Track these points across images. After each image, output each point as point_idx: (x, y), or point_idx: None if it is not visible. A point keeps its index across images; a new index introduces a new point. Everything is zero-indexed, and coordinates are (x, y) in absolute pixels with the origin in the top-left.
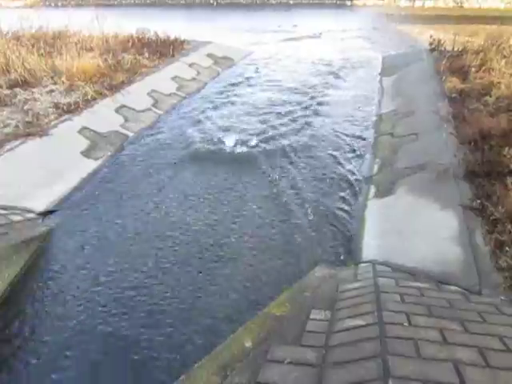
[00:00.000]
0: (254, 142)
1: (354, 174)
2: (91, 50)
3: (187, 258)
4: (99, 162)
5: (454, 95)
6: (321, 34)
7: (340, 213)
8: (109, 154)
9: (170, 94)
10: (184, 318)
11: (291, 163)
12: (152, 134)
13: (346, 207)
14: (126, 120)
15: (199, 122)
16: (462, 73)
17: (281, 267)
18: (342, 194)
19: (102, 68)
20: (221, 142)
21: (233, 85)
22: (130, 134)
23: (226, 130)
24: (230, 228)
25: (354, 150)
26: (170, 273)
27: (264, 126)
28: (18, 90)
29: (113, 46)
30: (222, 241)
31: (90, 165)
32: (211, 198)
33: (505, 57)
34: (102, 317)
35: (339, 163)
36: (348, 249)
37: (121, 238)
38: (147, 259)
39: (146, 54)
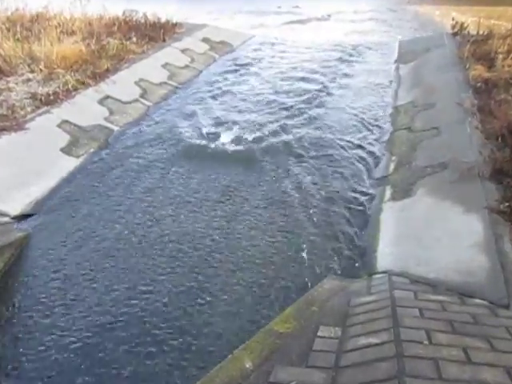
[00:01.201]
0: (254, 137)
1: (365, 174)
2: (73, 34)
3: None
4: (81, 159)
5: (479, 85)
6: (330, 15)
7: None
8: (92, 150)
9: (160, 84)
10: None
11: (297, 163)
12: (140, 129)
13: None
14: (111, 112)
15: (193, 114)
16: (488, 60)
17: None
18: (355, 196)
19: (85, 54)
20: (217, 137)
21: (231, 73)
22: (116, 129)
23: (224, 123)
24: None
25: (366, 147)
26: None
27: (266, 119)
28: None
29: (97, 29)
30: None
31: (71, 163)
32: (205, 206)
33: None
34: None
35: (351, 162)
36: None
37: (103, 249)
38: (129, 278)
39: (134, 39)
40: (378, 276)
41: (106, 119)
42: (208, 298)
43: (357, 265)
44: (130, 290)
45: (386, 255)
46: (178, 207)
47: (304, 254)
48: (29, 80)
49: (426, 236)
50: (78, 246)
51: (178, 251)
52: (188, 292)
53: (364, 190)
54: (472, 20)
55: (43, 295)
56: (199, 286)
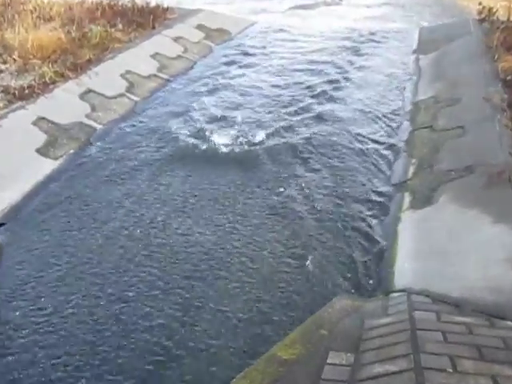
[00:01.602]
0: (255, 137)
1: (381, 180)
2: (51, 19)
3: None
4: (59, 161)
5: (509, 78)
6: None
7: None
8: (71, 151)
9: (149, 76)
10: None
11: (303, 167)
12: (126, 127)
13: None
14: (94, 109)
15: (186, 111)
16: None
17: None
18: (370, 205)
19: (64, 42)
20: (213, 137)
21: (229, 64)
22: (99, 127)
23: (220, 121)
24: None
25: (382, 149)
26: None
27: (269, 116)
28: None
29: (78, 14)
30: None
31: (48, 165)
32: (198, 216)
33: None
34: None
35: (364, 166)
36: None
37: (82, 264)
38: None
39: (120, 26)
40: (395, 295)
41: (87, 116)
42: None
43: (371, 282)
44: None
45: (404, 271)
46: (167, 217)
47: (311, 269)
48: (0, 72)
49: (450, 249)
50: (52, 263)
51: (164, 272)
52: (172, 328)
53: (379, 197)
54: (502, 4)
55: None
56: (189, 318)
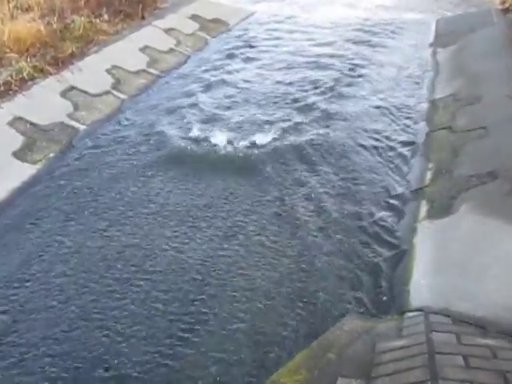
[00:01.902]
0: (255, 139)
1: (395, 186)
2: (29, 9)
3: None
4: (38, 166)
5: None
6: None
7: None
8: (52, 155)
9: (137, 72)
10: None
11: (309, 172)
12: (112, 128)
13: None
14: (77, 108)
15: (178, 110)
16: None
17: None
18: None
19: (44, 35)
20: (208, 139)
21: (226, 59)
22: (82, 128)
23: (217, 121)
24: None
25: (396, 152)
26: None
27: (270, 116)
28: None
29: (59, 4)
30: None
31: (26, 170)
32: (191, 228)
33: None
34: None
35: (377, 171)
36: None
37: (55, 288)
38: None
39: (106, 16)
40: (411, 314)
41: (69, 116)
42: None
43: (384, 299)
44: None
45: (421, 288)
46: (155, 230)
47: (317, 285)
48: None
49: (471, 263)
50: (26, 287)
51: (149, 296)
52: (154, 361)
53: (393, 205)
54: None
55: None
56: (179, 340)
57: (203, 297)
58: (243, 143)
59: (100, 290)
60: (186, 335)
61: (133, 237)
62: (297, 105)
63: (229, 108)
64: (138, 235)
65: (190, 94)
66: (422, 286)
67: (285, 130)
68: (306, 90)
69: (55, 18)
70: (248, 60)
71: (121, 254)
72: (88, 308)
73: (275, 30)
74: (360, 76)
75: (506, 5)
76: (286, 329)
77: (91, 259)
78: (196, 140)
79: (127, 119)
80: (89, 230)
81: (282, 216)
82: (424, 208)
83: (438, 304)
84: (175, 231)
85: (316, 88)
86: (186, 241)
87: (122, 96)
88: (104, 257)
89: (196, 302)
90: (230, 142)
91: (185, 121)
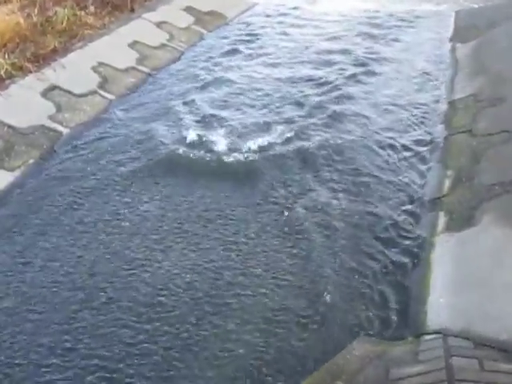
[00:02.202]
0: (256, 144)
1: (410, 196)
2: (7, 1)
3: None
4: (16, 174)
5: None
6: None
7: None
8: (31, 161)
9: (126, 70)
10: None
11: (316, 179)
12: (98, 131)
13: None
14: (59, 109)
15: (171, 112)
16: None
17: None
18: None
19: (24, 29)
20: (204, 144)
21: (224, 55)
22: (65, 131)
23: (213, 124)
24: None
25: (410, 158)
26: None
27: (272, 118)
28: None
29: None
30: None
31: (3, 178)
32: (185, 245)
33: None
34: None
35: (390, 179)
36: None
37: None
38: None
39: (91, 8)
40: (428, 337)
41: (51, 118)
42: None
43: (398, 320)
44: None
45: (439, 308)
46: (138, 255)
47: (324, 304)
48: None
49: (495, 281)
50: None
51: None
52: None
53: (408, 217)
54: None
55: None
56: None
57: (202, 322)
58: (243, 148)
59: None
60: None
61: (108, 262)
62: (301, 105)
63: (227, 109)
64: (117, 259)
65: (183, 94)
66: (440, 305)
67: (289, 134)
68: (311, 89)
69: (36, 10)
70: (248, 56)
71: (90, 284)
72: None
73: (278, 23)
74: (371, 74)
75: None
76: (290, 352)
77: (55, 290)
78: (190, 145)
79: (115, 122)
80: (59, 250)
81: (287, 233)
82: (442, 220)
83: (457, 326)
84: (164, 252)
85: (323, 87)
86: (179, 264)
87: (110, 96)
88: (70, 287)
89: (193, 323)
90: (228, 147)
91: (178, 123)
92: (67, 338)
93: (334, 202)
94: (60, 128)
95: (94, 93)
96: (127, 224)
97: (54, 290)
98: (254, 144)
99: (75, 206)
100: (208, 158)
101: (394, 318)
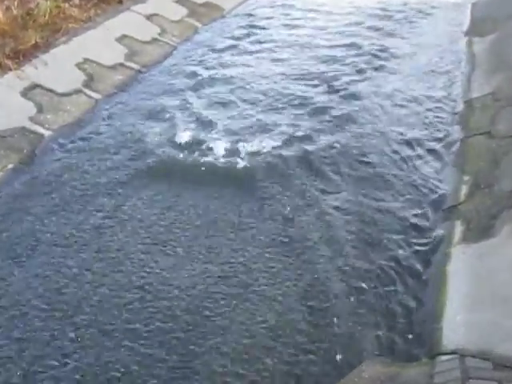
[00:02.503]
0: (256, 147)
1: (423, 203)
2: None
3: None
4: None
5: None
6: None
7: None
8: (10, 166)
9: (114, 66)
10: None
11: (321, 186)
12: (83, 134)
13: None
14: (41, 110)
15: (163, 112)
16: None
17: None
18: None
19: (2, 22)
20: (199, 147)
21: (220, 51)
22: (47, 134)
23: (209, 126)
24: None
25: (424, 162)
26: None
27: (273, 119)
28: None
29: None
30: None
31: None
32: (177, 259)
33: None
34: None
35: (402, 185)
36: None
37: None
38: None
39: (76, 0)
40: (444, 358)
41: (32, 119)
42: None
43: (411, 339)
44: None
45: (456, 326)
46: (131, 264)
47: (331, 322)
48: None
49: None
50: None
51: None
52: None
53: (421, 226)
54: None
55: None
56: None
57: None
58: (243, 151)
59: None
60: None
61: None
62: (305, 105)
63: (223, 110)
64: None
65: (176, 93)
66: (457, 323)
67: (291, 136)
68: (315, 88)
69: (16, 3)
70: (246, 52)
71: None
72: None
73: (280, 15)
74: (381, 70)
75: None
76: (295, 375)
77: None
78: (184, 148)
79: (101, 123)
80: (30, 274)
81: (289, 236)
82: (459, 229)
83: (476, 345)
84: (152, 271)
85: (328, 85)
86: (180, 264)
87: (96, 95)
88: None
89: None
90: (224, 151)
91: (170, 125)
92: None
93: (343, 208)
94: (41, 130)
95: (78, 92)
96: (110, 238)
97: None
98: (253, 146)
99: (54, 219)
100: (203, 162)
101: (407, 336)
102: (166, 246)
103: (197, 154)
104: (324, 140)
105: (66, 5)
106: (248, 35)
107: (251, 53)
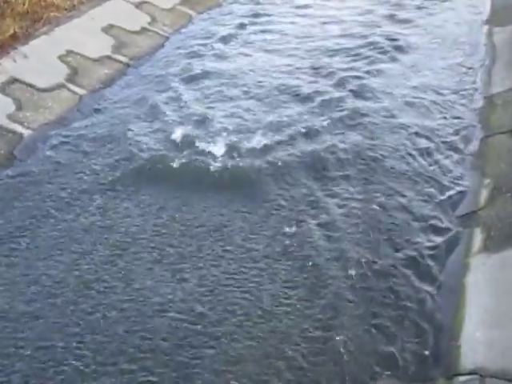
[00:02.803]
0: (256, 146)
1: (439, 209)
2: None
3: None
4: None
5: None
6: None
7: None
8: None
9: (100, 59)
10: None
11: (326, 189)
12: (66, 133)
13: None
14: (20, 107)
15: (154, 109)
16: None
17: None
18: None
19: None
20: (194, 146)
21: (216, 41)
22: (27, 133)
23: (204, 123)
24: None
25: (440, 164)
26: None
27: (275, 115)
28: None
29: None
30: None
31: None
32: (169, 269)
33: None
34: None
35: (415, 188)
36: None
37: None
38: None
39: None
40: (462, 378)
41: (10, 117)
42: None
43: (427, 357)
44: None
45: (475, 343)
46: (120, 275)
47: (340, 338)
48: None
49: None
50: None
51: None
52: None
53: (438, 234)
54: None
55: None
56: None
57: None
58: (240, 151)
59: None
60: None
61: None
62: (309, 101)
63: (219, 105)
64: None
65: (168, 88)
66: (477, 340)
67: (294, 134)
68: (319, 82)
69: None
70: (244, 43)
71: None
72: None
73: (281, 3)
74: (393, 62)
75: None
76: None
77: None
78: (176, 148)
79: (86, 121)
80: (30, 263)
81: (290, 245)
82: (478, 237)
83: (497, 365)
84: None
85: (334, 79)
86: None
87: (80, 91)
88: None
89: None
90: (221, 150)
91: (161, 123)
92: None
93: (349, 216)
94: (20, 129)
95: (61, 87)
96: (104, 238)
97: None
98: (252, 146)
99: (32, 228)
100: (197, 163)
101: (422, 354)
102: (146, 252)
103: (187, 153)
104: (327, 139)
105: None
106: (247, 24)
107: (251, 44)
